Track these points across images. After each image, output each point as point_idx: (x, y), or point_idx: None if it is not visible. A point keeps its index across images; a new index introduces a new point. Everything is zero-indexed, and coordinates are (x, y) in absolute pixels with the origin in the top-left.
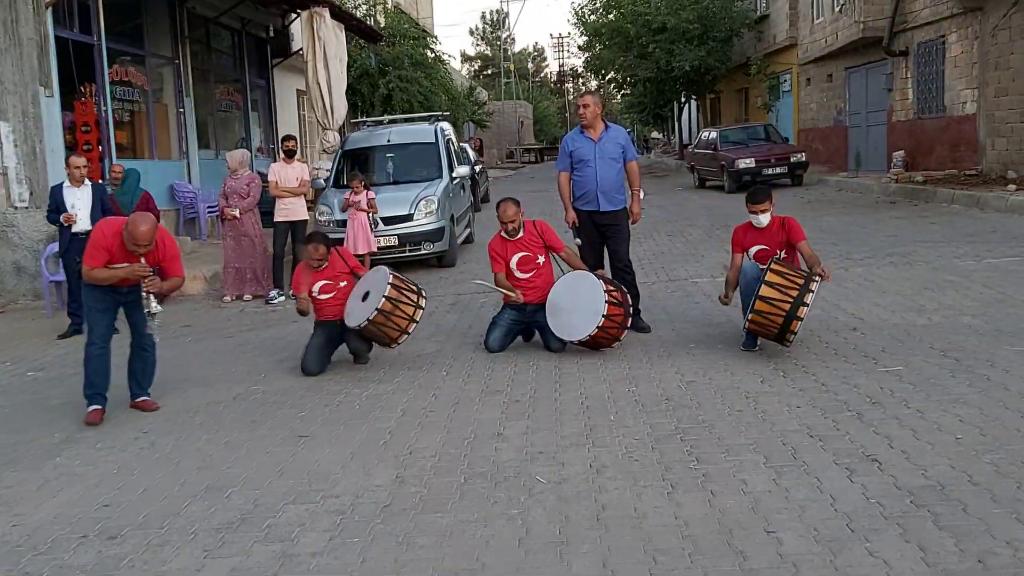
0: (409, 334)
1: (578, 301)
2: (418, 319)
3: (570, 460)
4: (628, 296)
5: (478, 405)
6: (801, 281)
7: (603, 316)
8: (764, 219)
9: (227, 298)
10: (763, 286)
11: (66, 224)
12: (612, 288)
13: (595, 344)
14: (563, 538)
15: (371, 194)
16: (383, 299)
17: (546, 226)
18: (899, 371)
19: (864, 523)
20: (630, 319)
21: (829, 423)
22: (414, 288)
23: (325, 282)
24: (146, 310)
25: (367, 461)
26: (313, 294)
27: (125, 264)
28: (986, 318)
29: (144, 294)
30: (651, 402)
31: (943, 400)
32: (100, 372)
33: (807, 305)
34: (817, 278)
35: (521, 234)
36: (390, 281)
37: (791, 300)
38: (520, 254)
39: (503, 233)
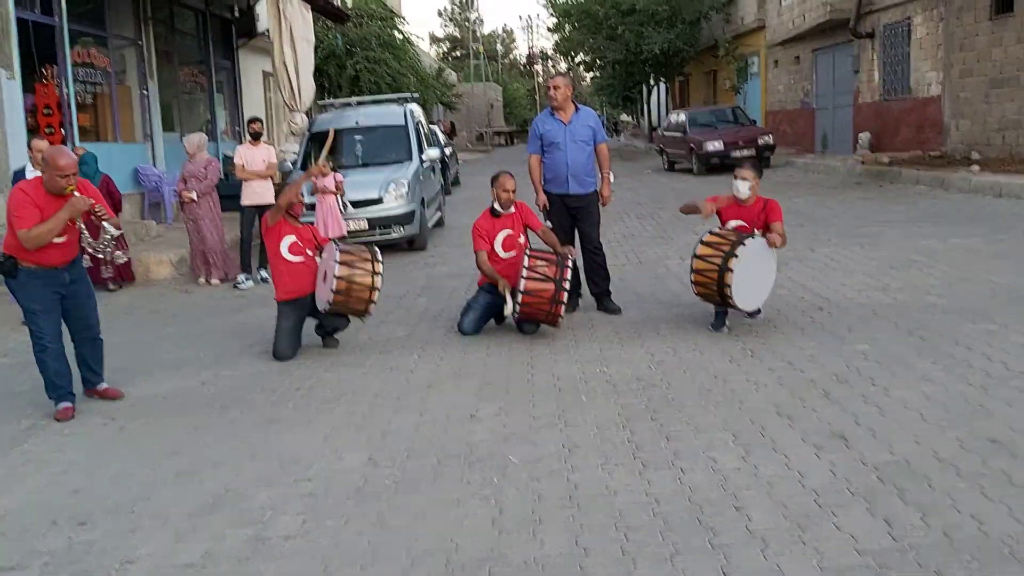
0: (375, 302)
1: (516, 279)
2: (378, 285)
3: (543, 440)
4: (566, 270)
5: (451, 388)
6: (734, 238)
7: (521, 292)
8: (742, 186)
9: (201, 280)
10: (699, 246)
11: None
12: (542, 263)
13: (541, 319)
14: (536, 517)
15: (339, 176)
16: (335, 279)
17: (525, 205)
18: (865, 350)
19: (831, 499)
20: (564, 293)
21: (797, 401)
22: (367, 256)
23: (294, 240)
24: (107, 235)
25: (340, 444)
26: (281, 251)
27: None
28: (950, 297)
29: (84, 228)
30: (622, 382)
31: (908, 378)
32: (61, 373)
33: (736, 257)
34: (753, 237)
35: (512, 209)
36: (338, 259)
37: (722, 254)
38: (505, 232)
39: (497, 206)
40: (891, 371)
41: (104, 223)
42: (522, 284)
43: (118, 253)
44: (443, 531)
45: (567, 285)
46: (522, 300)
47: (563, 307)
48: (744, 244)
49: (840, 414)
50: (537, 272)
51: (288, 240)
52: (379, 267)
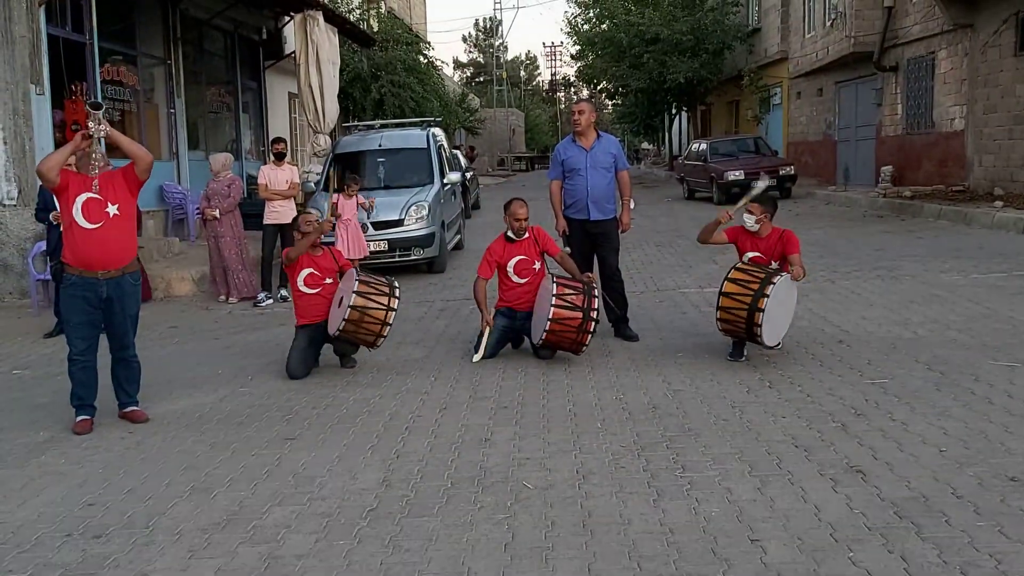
0: (384, 336)
1: (541, 305)
2: (390, 321)
3: (557, 466)
4: (593, 300)
5: (466, 410)
6: (763, 276)
7: (549, 320)
8: (749, 220)
9: (221, 298)
10: (726, 283)
11: (55, 222)
12: (570, 292)
13: (565, 347)
14: (548, 543)
15: (362, 199)
16: (348, 308)
17: (542, 230)
18: (884, 383)
19: (848, 533)
20: (592, 323)
21: (814, 433)
22: (384, 290)
23: (311, 271)
24: (99, 135)
25: (354, 464)
26: (298, 284)
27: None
28: (971, 332)
29: (91, 133)
30: (638, 410)
31: (928, 413)
32: (86, 384)
33: (767, 296)
34: (782, 275)
35: (526, 236)
36: (355, 289)
37: (752, 293)
38: (518, 257)
39: (510, 233)
40: (910, 406)
41: (100, 125)
42: (551, 312)
43: (101, 128)
44: (455, 554)
45: (595, 315)
46: (550, 328)
47: (590, 336)
48: (774, 283)
49: (858, 448)
50: (566, 300)
51: (305, 273)
52: (395, 303)
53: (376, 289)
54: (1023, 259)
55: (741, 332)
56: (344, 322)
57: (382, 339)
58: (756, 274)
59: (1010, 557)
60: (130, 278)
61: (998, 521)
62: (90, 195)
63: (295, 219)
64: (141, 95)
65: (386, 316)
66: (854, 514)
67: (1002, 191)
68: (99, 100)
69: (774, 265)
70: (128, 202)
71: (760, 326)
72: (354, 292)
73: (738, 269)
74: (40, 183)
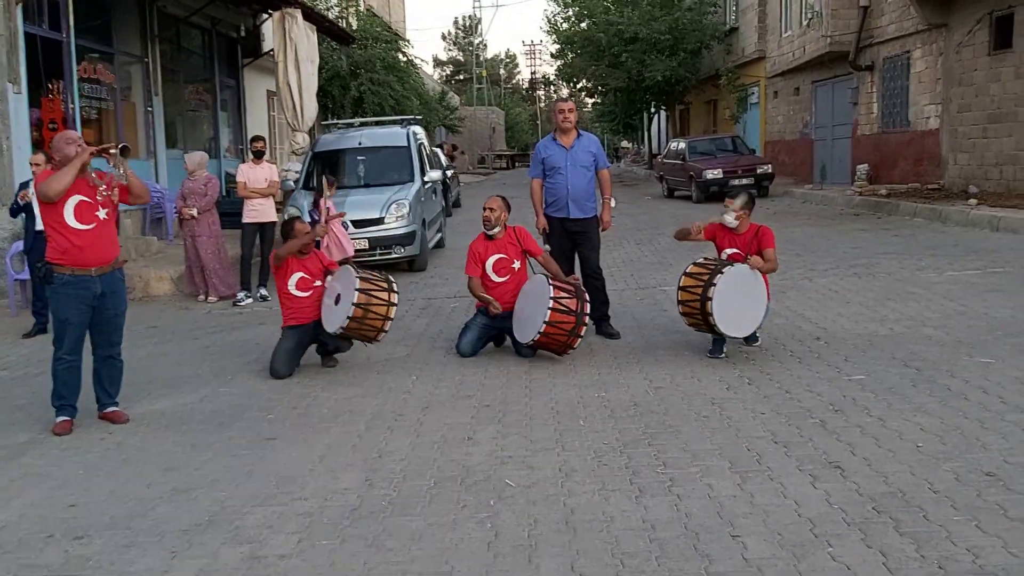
0: (386, 331)
1: (533, 306)
2: (392, 316)
3: (539, 464)
4: (586, 304)
5: (448, 409)
6: (714, 267)
7: (544, 323)
8: (729, 217)
9: (200, 298)
10: (683, 277)
11: (22, 202)
12: (565, 295)
13: (552, 350)
14: (532, 541)
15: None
16: (352, 306)
17: (524, 230)
18: (861, 380)
19: (827, 528)
20: (584, 327)
21: (793, 430)
22: (384, 285)
23: (302, 275)
24: (114, 169)
25: (336, 464)
26: (289, 288)
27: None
28: (947, 329)
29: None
30: (620, 407)
31: (904, 409)
32: (69, 384)
33: (715, 286)
34: (734, 265)
35: (500, 233)
36: (358, 286)
37: (703, 283)
38: (497, 256)
39: (486, 229)
40: (887, 402)
41: (117, 156)
42: (547, 315)
43: (118, 171)
44: (438, 553)
45: (587, 320)
46: (544, 330)
47: (579, 340)
48: (723, 273)
49: (836, 444)
50: (562, 304)
51: (296, 277)
52: (395, 297)
53: (376, 285)
54: (997, 256)
55: (702, 324)
56: (348, 319)
57: (384, 333)
58: (708, 267)
59: (987, 551)
60: (119, 273)
61: (975, 516)
62: (81, 198)
63: (290, 226)
64: (118, 93)
65: (388, 311)
66: (833, 509)
67: (976, 189)
68: (126, 145)
69: (736, 262)
70: (113, 208)
71: (712, 314)
72: (356, 290)
73: (696, 264)
74: (19, 183)
